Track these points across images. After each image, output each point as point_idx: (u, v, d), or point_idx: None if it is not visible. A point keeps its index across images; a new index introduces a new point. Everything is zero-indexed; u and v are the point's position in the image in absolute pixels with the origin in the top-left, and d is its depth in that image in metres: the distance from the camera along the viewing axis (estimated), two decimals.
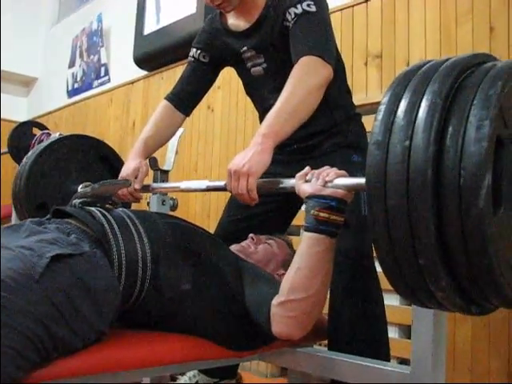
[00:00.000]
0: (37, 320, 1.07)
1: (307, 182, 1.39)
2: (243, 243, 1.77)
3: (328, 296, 1.78)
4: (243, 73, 2.00)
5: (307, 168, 1.44)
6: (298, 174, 1.44)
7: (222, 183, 1.63)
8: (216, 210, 3.55)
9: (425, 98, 0.98)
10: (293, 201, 1.77)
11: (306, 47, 1.67)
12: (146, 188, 1.89)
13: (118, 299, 1.28)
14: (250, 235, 1.80)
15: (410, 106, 0.99)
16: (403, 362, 2.32)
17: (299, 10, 1.71)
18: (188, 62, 2.09)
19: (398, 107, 1.01)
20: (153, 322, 1.43)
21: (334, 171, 1.37)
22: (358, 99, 2.67)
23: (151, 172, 2.33)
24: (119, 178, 1.95)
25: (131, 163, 1.93)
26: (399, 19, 2.79)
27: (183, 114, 2.09)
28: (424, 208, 0.93)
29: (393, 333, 2.46)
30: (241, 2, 1.84)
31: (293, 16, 1.72)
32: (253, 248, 1.74)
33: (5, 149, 4.29)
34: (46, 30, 6.52)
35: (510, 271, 0.99)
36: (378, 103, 1.07)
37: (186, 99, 2.08)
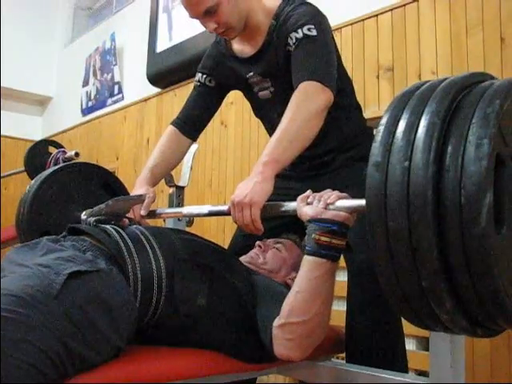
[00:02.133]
0: (55, 336, 1.08)
1: (308, 205, 1.39)
2: (251, 253, 1.77)
3: (345, 309, 1.79)
4: (251, 97, 2.00)
5: (308, 191, 1.43)
6: (299, 197, 1.43)
7: (224, 208, 1.62)
8: (231, 224, 3.51)
9: (423, 118, 0.97)
10: None
11: (305, 72, 1.67)
12: (151, 214, 1.89)
13: (135, 315, 1.29)
14: (257, 243, 1.79)
15: (409, 126, 0.98)
16: (421, 374, 2.31)
17: (300, 34, 1.71)
18: (194, 87, 2.08)
19: (396, 128, 1.00)
20: (169, 338, 1.43)
21: (335, 194, 1.37)
22: (370, 112, 2.69)
23: (166, 190, 2.35)
24: None
25: (138, 191, 1.92)
26: (410, 32, 2.80)
27: (190, 139, 2.08)
28: (425, 229, 0.92)
29: (410, 345, 2.45)
30: (244, 29, 1.85)
31: (294, 41, 1.73)
32: (261, 258, 1.74)
33: (17, 168, 4.34)
34: (59, 49, 6.60)
35: None
36: None
37: (192, 124, 2.07)
